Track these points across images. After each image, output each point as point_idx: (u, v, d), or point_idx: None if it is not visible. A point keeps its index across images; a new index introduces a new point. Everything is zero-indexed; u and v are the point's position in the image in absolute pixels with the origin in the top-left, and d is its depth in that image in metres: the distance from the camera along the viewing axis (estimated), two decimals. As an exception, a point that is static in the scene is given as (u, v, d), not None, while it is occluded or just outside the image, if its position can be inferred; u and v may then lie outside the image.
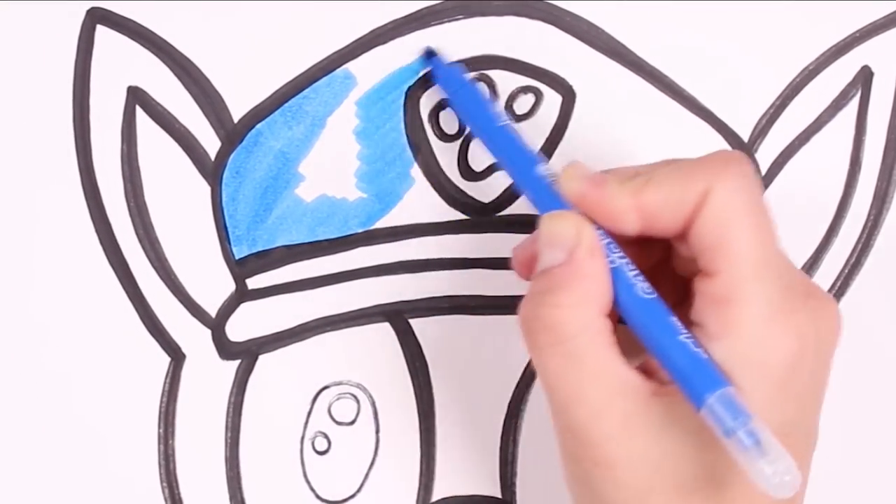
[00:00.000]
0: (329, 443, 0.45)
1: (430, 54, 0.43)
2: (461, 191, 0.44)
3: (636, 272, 0.35)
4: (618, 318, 0.36)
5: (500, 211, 0.45)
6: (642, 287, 0.35)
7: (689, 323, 0.35)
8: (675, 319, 0.34)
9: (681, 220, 0.35)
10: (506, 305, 0.44)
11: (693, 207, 0.34)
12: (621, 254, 0.36)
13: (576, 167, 0.37)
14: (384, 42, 0.44)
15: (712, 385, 0.33)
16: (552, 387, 0.35)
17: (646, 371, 0.35)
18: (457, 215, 0.45)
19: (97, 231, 0.44)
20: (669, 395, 0.34)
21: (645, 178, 0.35)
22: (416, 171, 0.44)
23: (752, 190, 0.35)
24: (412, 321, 0.45)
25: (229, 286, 0.45)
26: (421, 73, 0.43)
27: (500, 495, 0.45)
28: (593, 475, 0.35)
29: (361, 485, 0.45)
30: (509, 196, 0.44)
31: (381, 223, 0.44)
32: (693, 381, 0.33)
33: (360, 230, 0.44)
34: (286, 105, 0.44)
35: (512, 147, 0.39)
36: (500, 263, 0.44)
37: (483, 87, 0.43)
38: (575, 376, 0.34)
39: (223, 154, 0.44)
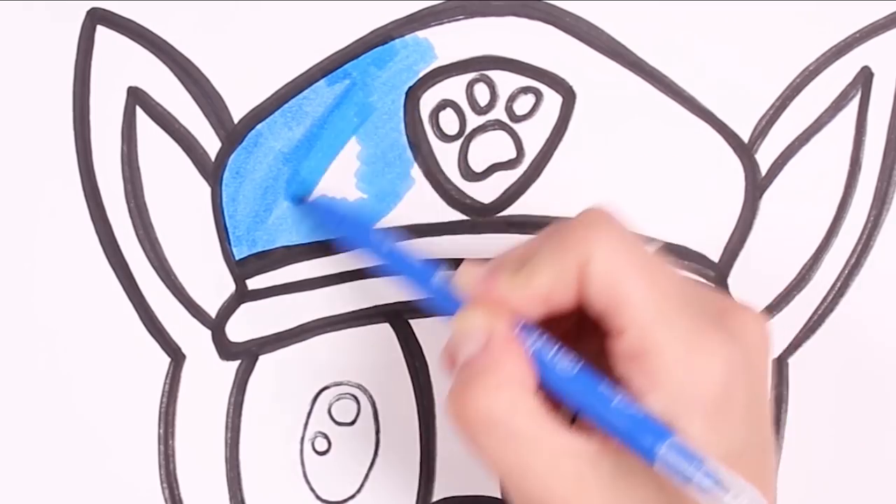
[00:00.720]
0: (329, 443, 0.45)
1: (298, 200, 0.44)
2: (461, 191, 0.44)
3: (555, 349, 0.36)
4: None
5: (500, 211, 0.45)
6: (565, 364, 0.35)
7: (616, 379, 0.35)
8: (603, 387, 0.35)
9: (571, 294, 0.35)
10: (506, 306, 0.44)
11: (578, 281, 0.35)
12: (538, 333, 0.36)
13: (465, 272, 0.37)
14: (384, 42, 0.44)
15: (657, 438, 0.33)
16: (498, 469, 0.35)
17: (582, 427, 0.36)
18: (457, 215, 0.45)
19: (97, 232, 0.44)
20: (616, 450, 0.35)
21: (529, 267, 0.36)
22: (416, 172, 0.44)
23: (627, 240, 0.35)
24: (412, 321, 0.45)
25: (229, 287, 0.45)
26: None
27: (499, 496, 0.45)
28: None
29: (361, 485, 0.45)
30: (509, 196, 0.44)
31: (381, 223, 0.44)
32: (639, 439, 0.34)
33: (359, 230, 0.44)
34: (286, 105, 0.44)
35: (406, 263, 0.40)
36: (500, 264, 0.44)
37: (356, 206, 0.43)
38: (516, 454, 0.35)
39: (223, 154, 0.44)
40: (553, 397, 0.36)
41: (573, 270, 0.35)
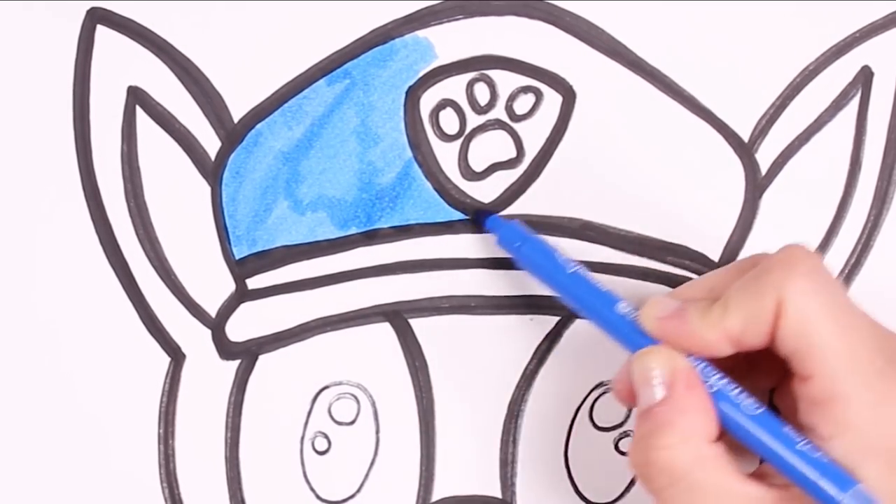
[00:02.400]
0: (329, 443, 0.45)
1: (482, 215, 0.44)
2: (461, 190, 0.44)
3: (738, 389, 0.36)
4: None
5: (500, 211, 0.44)
6: (748, 405, 0.36)
7: (799, 426, 0.35)
8: (788, 430, 0.35)
9: (764, 335, 0.36)
10: (506, 305, 0.44)
11: (772, 321, 0.35)
12: (719, 375, 0.36)
13: (654, 305, 0.38)
14: (384, 42, 0.44)
15: (842, 486, 0.34)
16: None
17: (763, 474, 0.36)
18: (457, 215, 0.45)
19: (97, 231, 0.44)
20: (795, 499, 0.35)
21: (721, 304, 0.36)
22: (416, 171, 0.44)
23: (824, 284, 0.36)
24: (412, 321, 0.45)
25: (229, 286, 0.45)
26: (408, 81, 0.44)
27: (500, 495, 0.45)
28: None
29: (361, 485, 0.45)
30: (509, 196, 0.44)
31: (381, 223, 0.44)
32: (823, 488, 0.34)
33: (360, 231, 0.44)
34: (286, 105, 0.44)
35: (588, 291, 0.40)
36: (500, 263, 0.44)
37: (543, 238, 0.43)
38: None
39: (223, 154, 0.44)
40: (731, 441, 0.36)
41: (769, 311, 0.35)
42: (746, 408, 0.36)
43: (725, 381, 0.36)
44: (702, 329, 0.36)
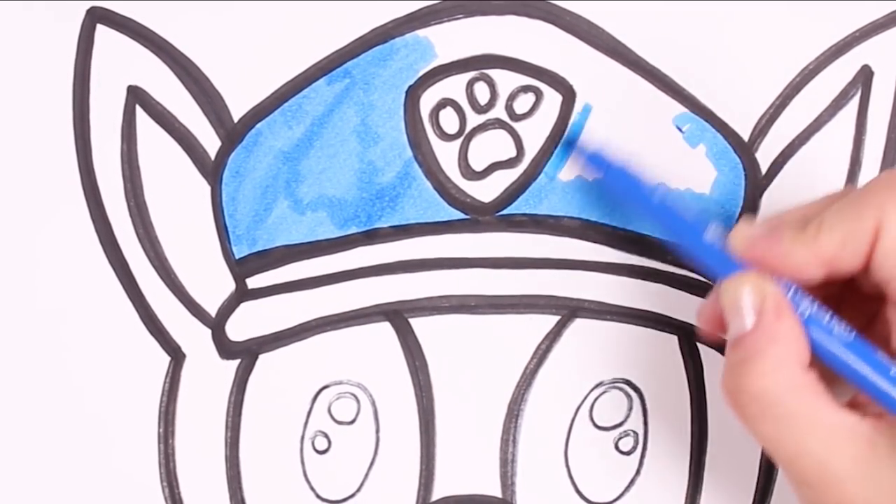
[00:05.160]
0: (329, 442, 0.45)
1: (570, 143, 0.43)
2: (461, 190, 0.44)
3: (830, 316, 0.35)
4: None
5: (500, 210, 0.45)
6: (840, 331, 0.35)
7: (891, 353, 0.35)
8: (881, 356, 0.35)
9: (860, 259, 0.35)
10: (506, 305, 0.44)
11: (869, 243, 0.35)
12: (810, 300, 0.36)
13: (744, 226, 0.37)
14: (384, 41, 0.44)
15: None
16: (773, 450, 0.35)
17: (856, 404, 0.36)
18: (457, 214, 0.45)
19: (97, 230, 0.44)
20: (891, 429, 0.34)
21: (816, 224, 0.35)
22: (416, 170, 0.44)
23: None
24: (412, 320, 0.45)
25: (229, 286, 0.45)
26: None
27: (500, 495, 0.45)
28: None
29: (361, 484, 0.45)
30: (509, 195, 0.44)
31: (381, 223, 0.44)
32: None
33: (360, 230, 0.44)
34: (286, 105, 0.44)
35: (675, 218, 0.40)
36: (500, 263, 0.44)
37: (632, 165, 0.42)
38: (792, 435, 0.35)
39: (223, 153, 0.44)
40: (824, 370, 0.35)
41: (867, 232, 0.34)
42: (839, 334, 0.35)
43: (817, 307, 0.36)
44: (794, 249, 0.35)
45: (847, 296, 0.37)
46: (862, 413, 0.35)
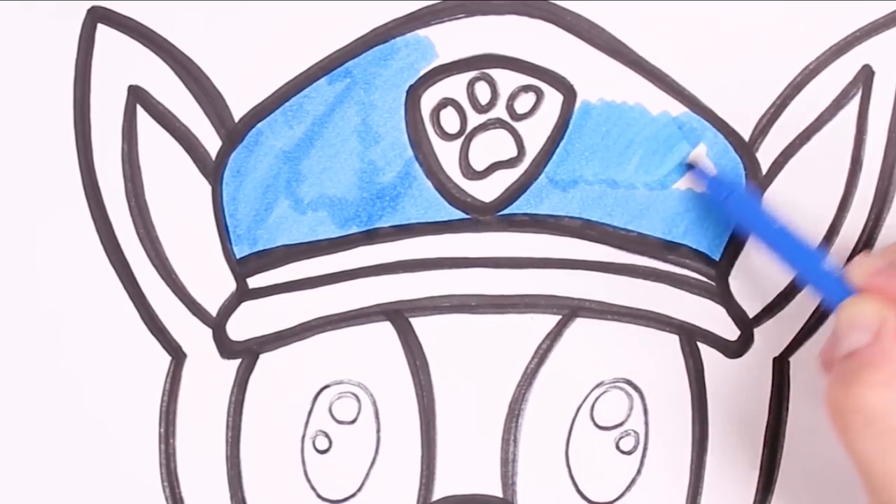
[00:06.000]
0: (330, 442, 0.45)
1: (690, 166, 0.44)
2: (462, 190, 0.44)
3: None
4: None
5: (501, 210, 0.45)
6: None
7: None
8: None
9: None
10: (506, 305, 0.44)
11: None
12: None
13: (863, 261, 0.38)
14: (385, 41, 0.44)
15: None
16: (868, 467, 0.35)
17: None
18: (458, 214, 0.45)
19: (98, 230, 0.44)
20: None
21: None
22: (416, 170, 0.44)
23: None
24: (413, 320, 0.45)
25: (230, 285, 0.45)
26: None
27: (500, 494, 0.45)
28: None
29: (362, 484, 0.45)
30: (510, 195, 0.44)
31: (382, 223, 0.44)
32: None
33: (360, 230, 0.44)
34: (287, 104, 0.44)
35: (796, 245, 0.41)
36: (500, 263, 0.44)
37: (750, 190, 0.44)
38: (892, 454, 0.35)
39: (224, 153, 0.44)
40: None
41: None
42: None
43: None
44: None
45: None
46: None
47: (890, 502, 0.35)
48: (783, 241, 0.41)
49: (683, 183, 0.44)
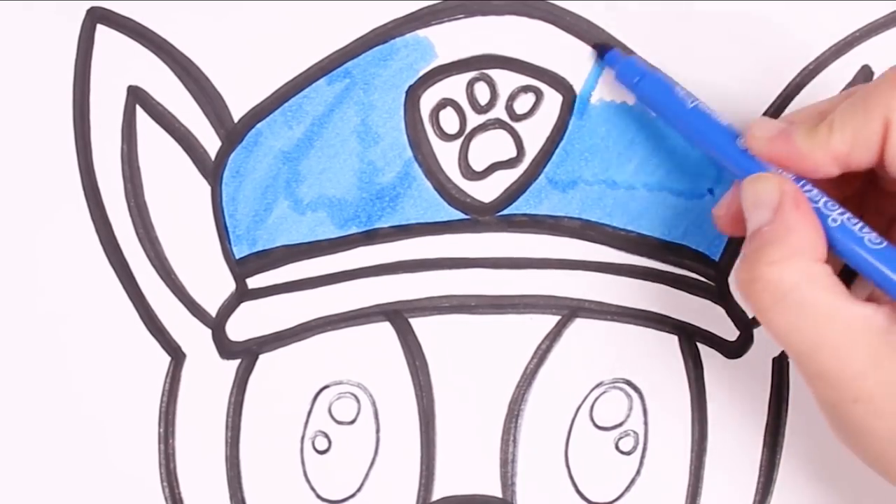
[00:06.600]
0: (329, 442, 0.45)
1: (603, 49, 0.44)
2: (461, 190, 0.44)
3: (860, 224, 0.36)
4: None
5: (500, 210, 0.45)
6: (869, 238, 0.35)
7: None
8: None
9: (872, 155, 0.35)
10: (506, 305, 0.44)
11: (880, 139, 0.35)
12: (841, 210, 0.36)
13: (759, 126, 0.38)
14: (384, 41, 0.44)
15: None
16: (787, 342, 0.35)
17: (875, 299, 0.36)
18: (457, 214, 0.45)
19: (97, 231, 0.44)
20: None
21: (827, 123, 0.36)
22: (416, 170, 0.44)
23: None
24: (412, 320, 0.45)
25: (229, 286, 0.45)
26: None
27: (500, 495, 0.45)
28: (854, 412, 0.35)
29: (362, 484, 0.45)
30: (510, 195, 0.44)
31: (382, 223, 0.44)
32: None
33: (360, 230, 0.44)
34: (286, 105, 0.44)
35: (707, 126, 0.40)
36: (500, 263, 0.44)
37: (663, 74, 0.43)
38: (807, 325, 0.35)
39: (223, 154, 0.44)
40: (837, 264, 0.35)
41: (878, 128, 0.35)
42: (867, 241, 0.35)
43: (847, 215, 0.36)
44: (808, 148, 0.36)
45: (870, 193, 0.38)
46: (875, 306, 0.35)
47: (815, 370, 0.35)
48: (695, 123, 0.41)
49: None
